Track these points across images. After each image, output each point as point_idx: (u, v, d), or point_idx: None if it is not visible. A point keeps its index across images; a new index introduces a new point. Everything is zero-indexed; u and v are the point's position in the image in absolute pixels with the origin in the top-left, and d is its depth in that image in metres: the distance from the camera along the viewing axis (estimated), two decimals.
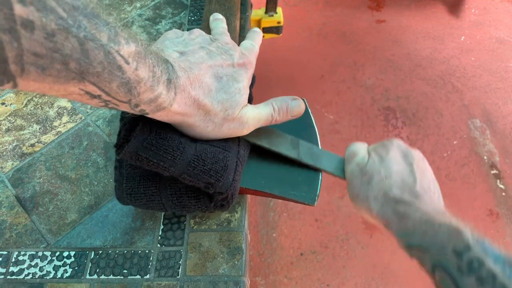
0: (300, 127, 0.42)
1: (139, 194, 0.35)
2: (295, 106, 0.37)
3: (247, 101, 0.34)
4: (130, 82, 0.24)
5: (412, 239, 0.30)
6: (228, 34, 0.38)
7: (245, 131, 0.34)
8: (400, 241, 0.32)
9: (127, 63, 0.23)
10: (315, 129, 0.44)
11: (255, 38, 0.39)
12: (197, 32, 0.36)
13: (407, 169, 0.36)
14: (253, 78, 0.39)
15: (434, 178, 0.37)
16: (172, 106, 0.28)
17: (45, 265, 0.38)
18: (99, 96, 0.24)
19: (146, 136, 0.30)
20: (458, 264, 0.26)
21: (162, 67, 0.27)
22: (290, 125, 0.39)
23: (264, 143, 0.38)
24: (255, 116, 0.34)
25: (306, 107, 0.44)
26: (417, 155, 0.38)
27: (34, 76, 0.19)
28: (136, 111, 0.27)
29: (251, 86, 0.37)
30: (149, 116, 0.29)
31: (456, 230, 0.28)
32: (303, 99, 0.44)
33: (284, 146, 0.39)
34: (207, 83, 0.31)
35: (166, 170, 0.31)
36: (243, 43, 0.38)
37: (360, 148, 0.40)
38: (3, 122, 0.47)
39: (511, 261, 0.25)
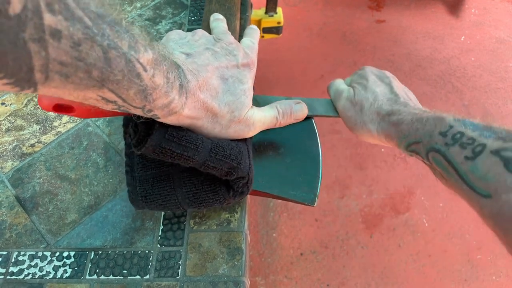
0: (300, 127, 0.42)
1: (154, 195, 0.35)
2: (299, 109, 0.38)
3: (251, 102, 0.34)
4: (146, 89, 0.24)
5: (409, 138, 0.34)
6: (230, 33, 0.38)
7: (251, 133, 0.34)
8: (401, 145, 0.36)
9: (146, 70, 0.23)
10: (315, 129, 0.44)
11: (254, 36, 0.39)
12: (200, 32, 0.36)
13: (387, 88, 0.41)
14: None
15: (409, 89, 0.43)
16: (184, 111, 0.29)
17: (45, 265, 0.38)
18: (114, 102, 0.24)
19: (166, 129, 0.30)
20: (444, 141, 0.30)
21: (175, 73, 0.27)
22: (291, 125, 0.39)
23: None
24: (260, 119, 0.34)
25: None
26: (390, 74, 0.44)
27: (57, 83, 0.19)
28: (148, 116, 0.27)
29: None
30: (159, 120, 0.29)
31: (440, 118, 0.32)
32: None
33: None
34: (214, 86, 0.31)
35: (189, 159, 0.31)
36: (243, 41, 0.38)
37: (341, 84, 0.45)
38: (3, 122, 0.47)
39: (487, 126, 0.28)
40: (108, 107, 0.24)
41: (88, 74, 0.20)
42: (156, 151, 0.30)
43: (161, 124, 0.30)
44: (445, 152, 0.29)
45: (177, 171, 0.35)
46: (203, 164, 0.32)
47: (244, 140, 0.35)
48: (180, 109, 0.28)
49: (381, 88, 0.41)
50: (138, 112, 0.26)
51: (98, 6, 0.20)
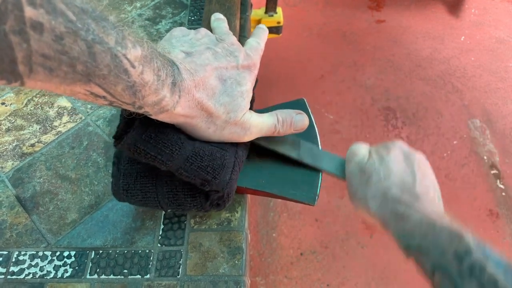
0: None
1: (135, 191, 0.35)
2: (299, 120, 0.37)
3: (249, 105, 0.34)
4: (135, 86, 0.24)
5: (411, 240, 0.30)
6: (232, 34, 0.38)
7: (246, 137, 0.34)
8: (398, 242, 0.32)
9: (133, 66, 0.23)
10: (315, 129, 0.44)
11: (261, 36, 0.39)
12: (203, 31, 0.36)
13: (408, 169, 0.35)
14: (256, 80, 0.39)
15: (436, 182, 0.37)
16: (176, 109, 0.28)
17: (45, 265, 0.38)
18: (103, 97, 0.24)
19: (146, 129, 0.30)
20: (459, 268, 0.26)
21: (168, 70, 0.27)
22: None
23: (263, 142, 0.38)
24: (258, 124, 0.34)
25: (306, 107, 0.44)
26: (420, 157, 0.37)
27: (42, 76, 0.20)
28: (139, 112, 0.27)
29: (253, 87, 0.37)
30: (152, 117, 0.29)
31: (458, 234, 0.28)
32: (303, 99, 0.44)
33: (284, 146, 0.39)
34: (211, 86, 0.31)
35: (163, 164, 0.31)
36: (249, 41, 0.38)
37: (361, 148, 0.40)
38: (3, 122, 0.47)
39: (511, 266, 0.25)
40: (99, 102, 0.25)
41: (72, 68, 0.20)
42: (131, 150, 0.30)
43: (142, 122, 0.30)
44: (458, 283, 0.25)
45: (161, 170, 0.35)
46: (176, 171, 0.32)
47: (235, 150, 0.35)
48: (171, 107, 0.28)
49: (400, 167, 0.36)
50: (129, 108, 0.26)
51: (83, 2, 0.20)
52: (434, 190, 0.36)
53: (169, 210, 0.38)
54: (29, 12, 0.17)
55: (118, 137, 0.32)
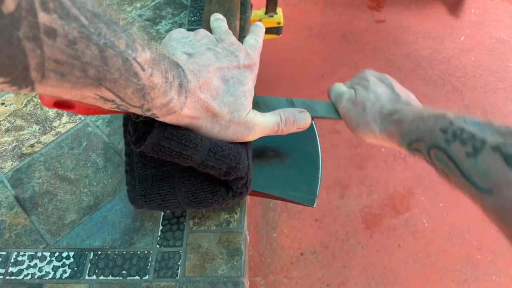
0: None
1: (153, 195, 0.35)
2: (302, 119, 0.37)
3: (251, 104, 0.34)
4: (144, 88, 0.24)
5: (410, 136, 0.35)
6: (231, 33, 0.38)
7: (250, 137, 0.34)
8: (403, 144, 0.36)
9: (143, 69, 0.23)
10: (314, 129, 0.44)
11: (259, 34, 0.39)
12: (203, 32, 0.36)
13: (388, 88, 0.42)
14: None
15: (409, 91, 0.44)
16: (183, 110, 0.29)
17: (44, 266, 0.38)
18: (112, 101, 0.24)
19: (165, 128, 0.30)
20: (445, 138, 0.30)
21: (174, 72, 0.27)
22: None
23: (263, 108, 0.39)
24: (261, 123, 0.34)
25: None
26: (390, 77, 0.44)
27: (53, 82, 0.20)
28: (147, 115, 0.27)
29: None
30: (159, 119, 0.29)
31: (440, 115, 0.32)
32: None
33: (281, 107, 0.40)
34: (214, 86, 0.31)
35: (188, 158, 0.31)
36: (247, 39, 0.38)
37: (342, 87, 0.45)
38: (2, 122, 0.47)
39: (488, 123, 0.28)
40: (107, 106, 0.24)
41: (84, 72, 0.20)
42: (155, 149, 0.30)
43: (161, 122, 0.30)
44: (446, 148, 0.30)
45: (176, 171, 0.35)
46: (201, 164, 0.32)
47: (243, 142, 0.35)
48: (179, 108, 0.28)
49: (382, 88, 0.42)
50: (137, 111, 0.26)
51: (94, 6, 0.20)
52: (412, 96, 0.42)
53: (189, 210, 0.38)
54: (43, 18, 0.17)
55: (139, 139, 0.32)
